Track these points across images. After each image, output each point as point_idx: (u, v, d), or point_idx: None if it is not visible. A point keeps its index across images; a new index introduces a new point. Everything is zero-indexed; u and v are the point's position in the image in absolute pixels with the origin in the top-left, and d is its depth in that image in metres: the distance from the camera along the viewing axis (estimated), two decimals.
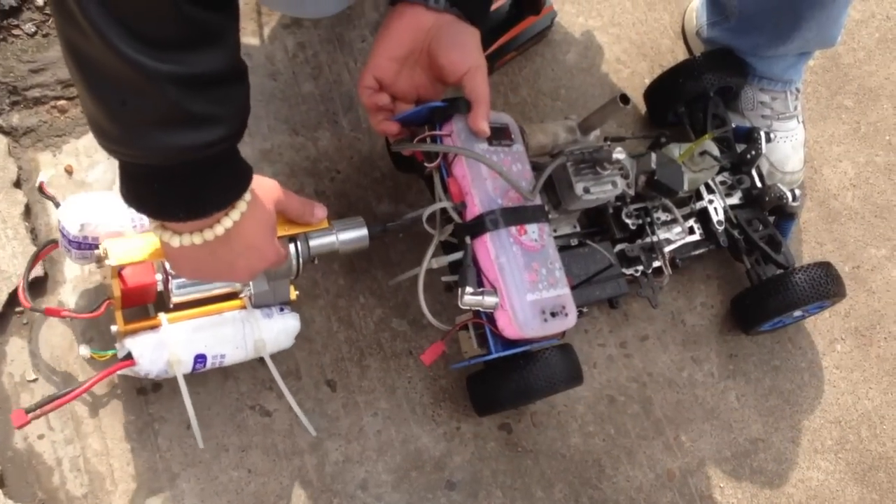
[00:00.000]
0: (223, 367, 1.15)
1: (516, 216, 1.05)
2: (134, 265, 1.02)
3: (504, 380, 1.11)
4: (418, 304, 1.08)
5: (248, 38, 1.37)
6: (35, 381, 1.11)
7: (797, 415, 1.36)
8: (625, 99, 1.07)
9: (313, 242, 1.04)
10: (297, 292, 1.13)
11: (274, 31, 1.38)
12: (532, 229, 1.06)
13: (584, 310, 1.21)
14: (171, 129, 0.70)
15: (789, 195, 1.29)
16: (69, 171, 1.23)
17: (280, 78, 1.36)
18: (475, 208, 1.04)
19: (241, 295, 1.09)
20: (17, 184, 1.19)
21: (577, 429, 1.27)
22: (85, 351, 1.06)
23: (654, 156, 1.20)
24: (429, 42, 1.03)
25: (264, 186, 0.89)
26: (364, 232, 1.08)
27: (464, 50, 1.03)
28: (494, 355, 1.06)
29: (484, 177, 1.05)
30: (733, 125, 1.37)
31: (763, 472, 1.31)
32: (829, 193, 1.53)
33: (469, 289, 1.02)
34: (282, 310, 1.11)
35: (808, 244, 1.48)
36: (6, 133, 1.22)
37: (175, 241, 0.80)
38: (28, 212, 1.18)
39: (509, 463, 1.23)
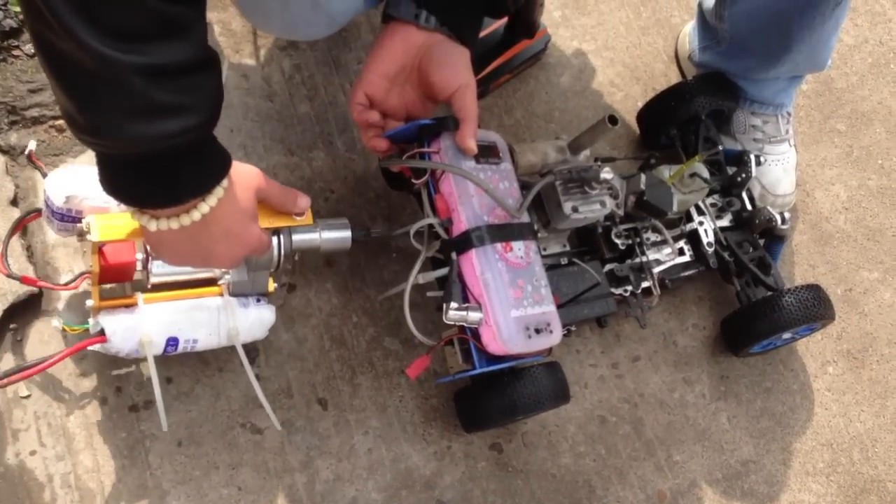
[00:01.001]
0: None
1: (502, 233, 1.06)
2: (115, 242, 1.03)
3: (490, 396, 1.12)
4: (408, 322, 1.09)
5: (245, 59, 1.38)
6: (28, 397, 1.12)
7: (789, 437, 1.36)
8: (613, 120, 1.09)
9: (296, 237, 1.06)
10: (276, 285, 1.14)
11: (270, 52, 1.40)
12: (518, 246, 1.07)
13: (573, 328, 1.22)
14: (140, 120, 0.71)
15: (778, 218, 1.30)
16: None
17: (276, 99, 1.38)
18: (461, 225, 1.06)
19: (220, 282, 1.09)
20: (14, 202, 1.21)
21: (567, 449, 1.27)
22: (57, 322, 1.07)
23: (643, 177, 1.22)
24: (419, 60, 1.05)
25: (244, 173, 0.91)
26: (347, 234, 1.10)
27: (454, 69, 1.05)
28: (479, 371, 1.07)
29: (470, 194, 1.06)
30: (723, 148, 1.38)
31: (754, 495, 1.31)
32: (821, 216, 1.54)
33: (454, 304, 1.03)
34: (258, 300, 1.11)
35: (801, 266, 1.49)
36: (4, 152, 1.24)
37: (153, 226, 0.82)
38: (24, 229, 1.19)
39: (500, 483, 1.23)
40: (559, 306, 1.15)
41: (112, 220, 1.00)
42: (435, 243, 1.11)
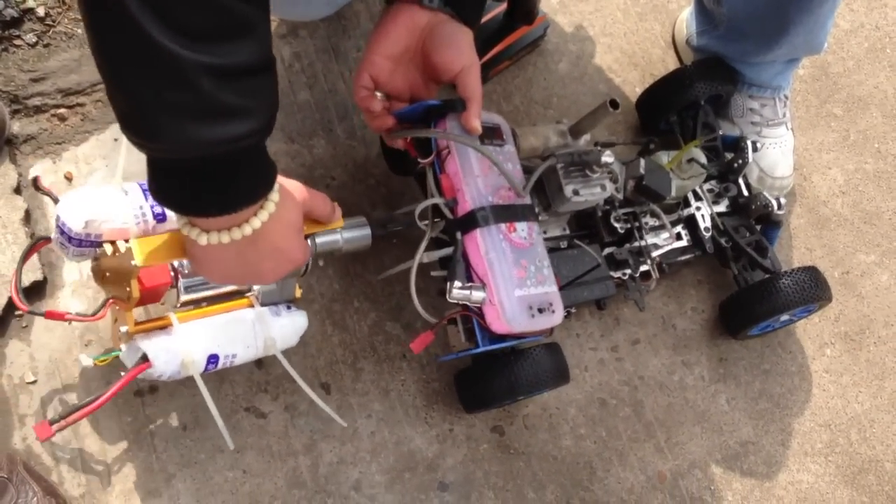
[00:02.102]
0: (217, 371, 1.17)
1: (506, 213, 1.07)
2: (151, 266, 1.00)
3: (491, 376, 1.13)
4: (412, 307, 1.10)
5: None
6: (34, 382, 1.13)
7: (787, 418, 1.38)
8: (614, 104, 1.10)
9: (319, 240, 1.07)
10: (301, 289, 1.14)
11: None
12: (521, 227, 1.08)
13: (573, 310, 1.23)
14: (204, 122, 0.69)
15: (774, 203, 1.31)
16: (69, 178, 1.25)
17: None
18: (466, 204, 1.07)
19: (248, 294, 1.09)
20: (18, 190, 1.22)
21: (568, 431, 1.29)
22: (87, 360, 1.05)
23: (642, 161, 1.23)
24: (423, 40, 1.05)
25: (291, 186, 0.89)
26: (367, 231, 1.11)
27: (458, 49, 1.05)
28: (482, 349, 1.08)
29: (476, 174, 1.07)
30: (721, 133, 1.39)
31: (753, 475, 1.33)
32: (818, 200, 1.55)
33: (458, 283, 1.04)
34: (289, 307, 1.11)
35: (798, 250, 1.50)
36: (7, 141, 1.24)
37: (203, 240, 0.80)
38: (28, 217, 1.20)
39: (501, 464, 1.24)
40: (560, 288, 1.16)
41: (153, 243, 0.94)
42: (439, 224, 1.12)
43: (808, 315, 1.37)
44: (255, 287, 1.08)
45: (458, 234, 1.07)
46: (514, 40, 1.48)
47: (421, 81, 1.09)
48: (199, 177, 0.74)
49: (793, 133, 1.50)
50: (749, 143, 1.34)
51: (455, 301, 1.05)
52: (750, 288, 1.31)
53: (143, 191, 1.03)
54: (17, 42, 1.30)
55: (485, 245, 1.05)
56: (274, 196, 0.81)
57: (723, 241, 1.33)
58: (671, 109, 1.41)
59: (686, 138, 1.40)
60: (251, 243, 0.82)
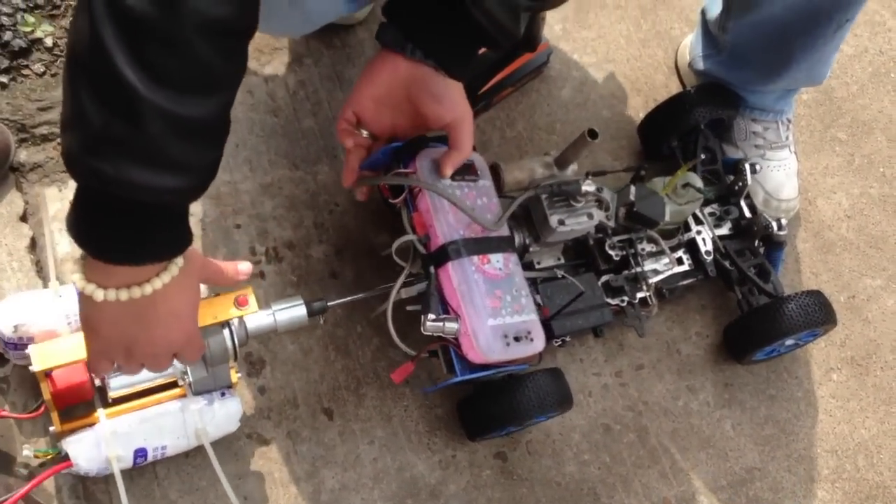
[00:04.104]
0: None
1: (479, 246, 1.10)
2: (65, 366, 1.02)
3: (492, 402, 1.14)
4: (416, 334, 1.11)
5: (251, 76, 1.41)
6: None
7: (793, 444, 1.37)
8: (593, 134, 1.13)
9: (251, 325, 1.05)
10: (239, 374, 1.12)
11: (275, 68, 1.42)
12: (496, 258, 1.11)
13: (567, 339, 1.23)
14: (142, 165, 0.69)
15: (775, 224, 1.31)
16: None
17: (281, 114, 1.40)
18: (438, 239, 1.10)
19: (181, 383, 1.09)
20: (24, 218, 1.23)
21: (572, 457, 1.28)
22: (28, 452, 1.06)
23: (633, 188, 1.24)
24: (408, 89, 1.05)
25: (192, 255, 0.85)
26: (303, 312, 1.08)
27: (444, 102, 1.05)
28: (460, 378, 1.10)
29: (446, 210, 1.10)
30: (707, 156, 1.39)
31: (759, 501, 1.32)
32: (823, 224, 1.55)
33: (431, 315, 1.07)
34: (223, 394, 1.10)
35: (804, 274, 1.50)
36: (14, 169, 1.26)
37: (99, 295, 0.77)
38: (33, 245, 1.21)
39: (504, 491, 1.24)
40: (550, 318, 1.17)
41: (52, 346, 1.02)
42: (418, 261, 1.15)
43: (814, 339, 1.37)
44: (188, 376, 1.06)
45: (432, 269, 1.10)
46: (517, 67, 1.49)
47: (408, 126, 1.09)
48: (117, 218, 0.72)
49: (796, 156, 1.51)
50: (747, 165, 1.35)
51: (429, 333, 1.07)
52: (754, 312, 1.31)
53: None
54: (25, 72, 1.32)
55: (456, 277, 1.08)
56: (179, 260, 0.79)
57: (726, 263, 1.33)
58: (672, 134, 1.42)
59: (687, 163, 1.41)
60: (148, 305, 0.79)
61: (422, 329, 1.07)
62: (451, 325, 1.07)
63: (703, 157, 1.34)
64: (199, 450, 1.14)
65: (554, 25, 1.58)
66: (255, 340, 1.23)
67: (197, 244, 1.28)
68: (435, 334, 1.08)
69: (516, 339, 1.08)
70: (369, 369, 1.26)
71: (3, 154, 1.22)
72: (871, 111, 1.68)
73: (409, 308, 1.14)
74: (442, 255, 1.09)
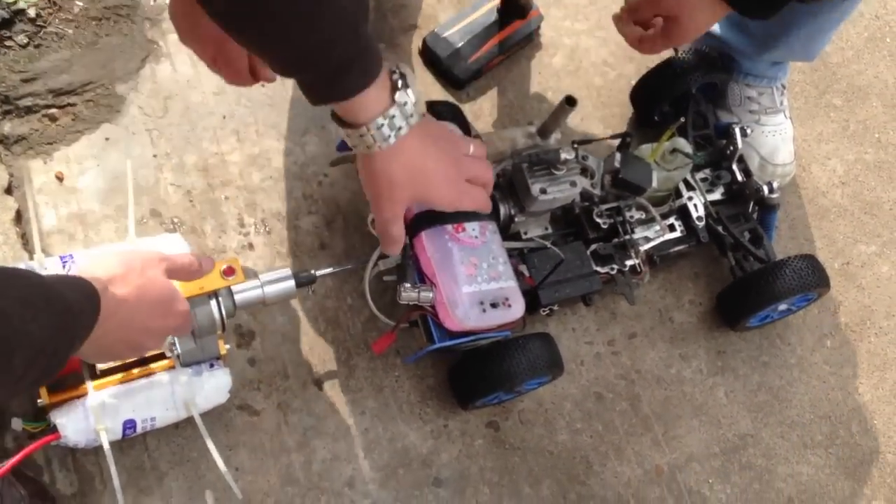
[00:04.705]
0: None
1: (452, 215, 1.11)
2: None
3: (482, 367, 1.14)
4: (399, 304, 1.11)
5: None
6: None
7: (786, 410, 1.36)
8: (571, 101, 1.14)
9: (239, 297, 1.04)
10: (228, 346, 1.12)
11: None
12: (472, 227, 1.13)
13: (555, 308, 1.22)
14: None
15: (766, 188, 1.30)
16: (60, 178, 1.25)
17: (269, 84, 1.37)
18: (412, 210, 1.11)
19: (169, 354, 1.08)
20: (9, 190, 1.22)
21: (564, 426, 1.28)
22: (17, 424, 1.05)
23: (618, 155, 1.24)
24: None
25: (145, 264, 0.88)
26: (291, 284, 1.07)
27: None
28: (438, 345, 1.11)
29: None
30: (713, 122, 1.38)
31: (752, 468, 1.31)
32: (818, 191, 1.54)
33: (407, 284, 1.08)
34: (211, 366, 1.10)
35: (797, 241, 1.49)
36: None
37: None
38: (19, 217, 1.20)
39: (497, 460, 1.23)
40: (536, 287, 1.17)
41: None
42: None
43: (807, 304, 1.36)
44: (177, 348, 1.06)
45: (407, 239, 1.10)
46: (508, 35, 1.47)
47: None
48: None
49: (791, 122, 1.49)
50: (737, 128, 1.33)
51: (405, 302, 1.08)
52: (747, 277, 1.30)
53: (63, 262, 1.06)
54: (8, 43, 1.30)
55: (430, 246, 1.10)
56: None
57: (719, 229, 1.32)
58: (664, 99, 1.41)
59: (680, 128, 1.39)
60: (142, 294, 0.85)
61: (398, 298, 1.07)
62: (427, 294, 1.08)
63: (682, 119, 1.32)
64: (190, 421, 1.14)
65: None
66: (244, 312, 1.23)
67: (185, 216, 1.27)
68: (411, 303, 1.09)
69: (493, 305, 1.09)
70: (360, 340, 1.25)
71: None
72: (867, 76, 1.66)
73: (385, 278, 1.15)
74: (416, 225, 1.10)
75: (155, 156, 1.30)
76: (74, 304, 0.75)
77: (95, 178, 1.26)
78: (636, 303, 1.35)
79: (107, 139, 1.29)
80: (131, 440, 1.12)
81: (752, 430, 1.34)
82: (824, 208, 1.52)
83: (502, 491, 1.22)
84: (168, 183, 1.29)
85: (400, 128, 0.91)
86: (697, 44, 1.48)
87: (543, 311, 1.24)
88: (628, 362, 1.34)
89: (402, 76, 0.91)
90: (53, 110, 1.29)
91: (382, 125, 0.90)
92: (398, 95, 0.89)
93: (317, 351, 1.24)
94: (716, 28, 1.43)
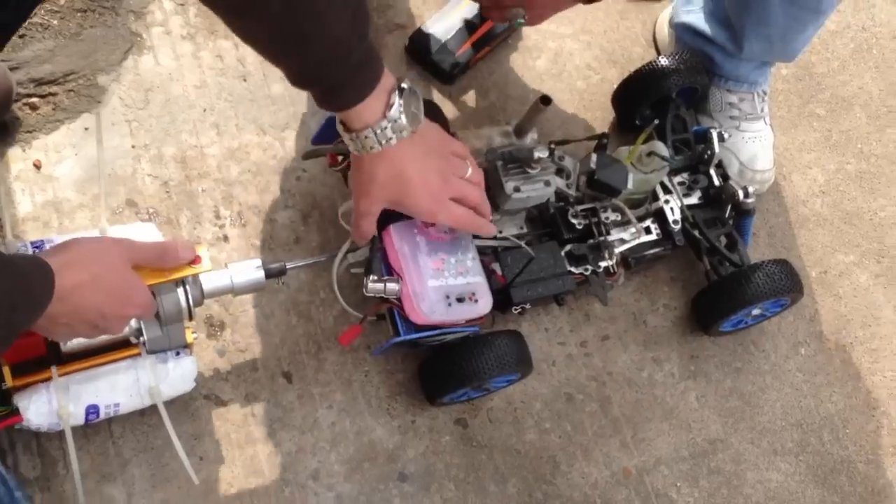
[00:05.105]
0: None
1: None
2: None
3: (449, 363, 1.15)
4: (373, 300, 1.12)
5: (221, 40, 1.40)
6: None
7: (758, 416, 1.36)
8: (545, 100, 1.14)
9: (207, 286, 1.04)
10: (195, 335, 1.12)
11: None
12: None
13: (527, 307, 1.22)
14: None
15: (741, 192, 1.30)
16: (37, 166, 1.26)
17: (251, 79, 1.39)
18: None
19: (135, 341, 1.07)
20: None
21: (533, 425, 1.28)
22: None
23: (594, 156, 1.24)
24: None
25: (102, 254, 0.90)
26: (261, 275, 1.07)
27: None
28: (403, 338, 1.11)
29: None
30: (691, 126, 1.39)
31: (721, 473, 1.31)
32: (797, 200, 1.54)
33: (373, 277, 1.08)
34: (178, 354, 1.09)
35: (775, 248, 1.49)
36: None
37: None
38: None
39: (463, 457, 1.24)
40: (507, 285, 1.18)
41: None
42: None
43: (781, 310, 1.36)
44: (143, 335, 1.05)
45: (376, 231, 1.11)
46: (492, 26, 1.48)
47: None
48: None
49: (772, 129, 1.50)
50: (715, 133, 1.33)
51: (371, 294, 1.09)
52: (720, 281, 1.30)
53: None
54: None
55: (398, 239, 1.11)
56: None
57: (695, 233, 1.32)
58: (645, 103, 1.41)
59: (660, 132, 1.39)
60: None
61: (364, 290, 1.08)
62: (392, 287, 1.09)
63: (657, 121, 1.32)
64: (155, 409, 1.14)
65: None
66: (215, 303, 1.23)
67: (161, 207, 1.28)
68: (376, 296, 1.09)
69: (459, 300, 1.10)
70: (331, 334, 1.26)
71: (6, 96, 1.22)
72: (852, 87, 1.66)
73: (353, 271, 1.15)
74: (385, 218, 1.10)
75: (133, 146, 1.31)
76: (30, 272, 0.78)
77: (73, 166, 1.27)
78: (609, 304, 1.36)
79: (86, 129, 1.30)
80: (96, 426, 1.13)
81: (722, 435, 1.34)
82: (804, 217, 1.53)
83: (468, 488, 1.22)
84: (145, 174, 1.29)
85: (390, 138, 0.99)
86: (678, 46, 1.49)
87: (515, 310, 1.24)
88: (600, 364, 1.34)
89: (402, 92, 0.98)
90: (35, 99, 1.30)
91: (373, 135, 0.98)
92: (392, 111, 0.97)
93: (287, 344, 1.24)
94: (696, 21, 1.44)
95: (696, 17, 1.45)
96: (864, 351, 1.44)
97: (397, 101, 0.98)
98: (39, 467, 1.10)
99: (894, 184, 1.59)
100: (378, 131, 0.98)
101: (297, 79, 0.96)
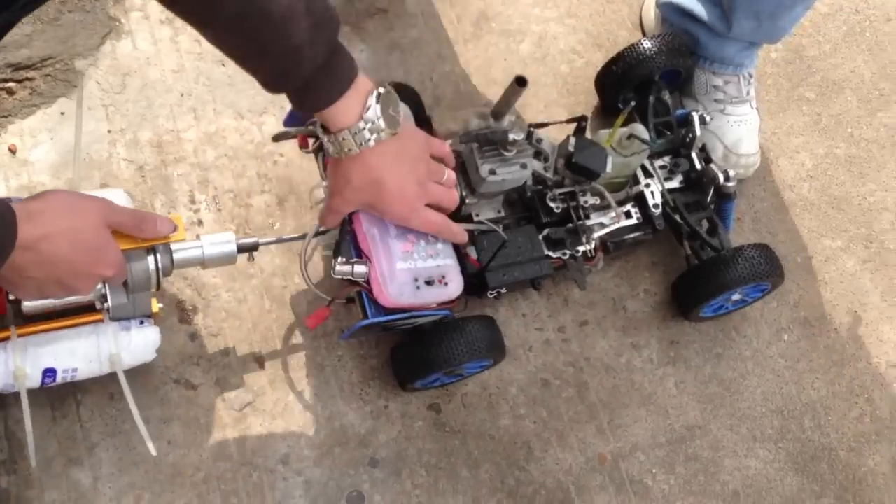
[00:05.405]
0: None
1: None
2: None
3: (420, 347, 1.14)
4: (345, 285, 1.12)
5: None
6: None
7: (738, 403, 1.34)
8: (521, 81, 1.12)
9: (178, 256, 1.03)
10: (161, 305, 1.12)
11: None
12: None
13: (503, 291, 1.21)
14: None
15: (721, 175, 1.28)
16: (13, 150, 1.26)
17: (229, 64, 1.35)
18: None
19: (99, 307, 1.06)
20: None
21: (507, 411, 1.27)
22: None
23: (572, 139, 1.22)
24: None
25: (81, 210, 0.90)
26: (232, 248, 1.07)
27: None
28: (370, 321, 1.10)
29: None
30: (673, 109, 1.37)
31: (698, 459, 1.30)
32: (784, 184, 1.52)
33: (341, 259, 1.08)
34: (141, 322, 1.09)
35: (760, 233, 1.47)
36: None
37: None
38: None
39: (436, 443, 1.23)
40: (482, 269, 1.16)
41: None
42: None
43: (762, 296, 1.34)
44: (107, 301, 1.04)
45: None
46: None
47: None
48: None
49: (758, 112, 1.47)
50: (696, 116, 1.31)
51: (339, 277, 1.08)
52: (700, 265, 1.29)
53: None
54: None
55: (367, 221, 1.10)
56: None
57: (676, 217, 1.30)
58: (627, 86, 1.39)
59: (644, 115, 1.38)
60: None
61: (332, 273, 1.07)
62: (360, 269, 1.08)
63: (633, 103, 1.31)
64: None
65: None
66: (188, 288, 1.23)
67: (135, 191, 1.28)
68: (344, 278, 1.08)
69: (428, 283, 1.09)
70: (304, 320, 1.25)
71: None
72: (843, 70, 1.64)
73: (324, 253, 1.14)
74: None
75: (109, 131, 1.31)
76: None
77: (48, 151, 1.27)
78: (588, 289, 1.34)
79: (62, 113, 1.30)
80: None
81: (700, 421, 1.32)
82: (790, 202, 1.50)
83: (439, 473, 1.21)
84: (121, 158, 1.29)
85: (368, 140, 1.00)
86: (664, 27, 1.47)
87: (491, 294, 1.23)
88: (578, 349, 1.33)
89: (379, 96, 1.00)
90: (11, 84, 1.30)
91: (350, 136, 1.00)
92: (368, 113, 0.99)
93: (260, 329, 1.24)
94: (682, 0, 1.42)
95: None
96: (849, 337, 1.42)
97: (374, 103, 0.99)
98: (6, 450, 1.10)
99: (884, 168, 1.56)
100: (355, 133, 0.99)
101: (265, 84, 0.99)
